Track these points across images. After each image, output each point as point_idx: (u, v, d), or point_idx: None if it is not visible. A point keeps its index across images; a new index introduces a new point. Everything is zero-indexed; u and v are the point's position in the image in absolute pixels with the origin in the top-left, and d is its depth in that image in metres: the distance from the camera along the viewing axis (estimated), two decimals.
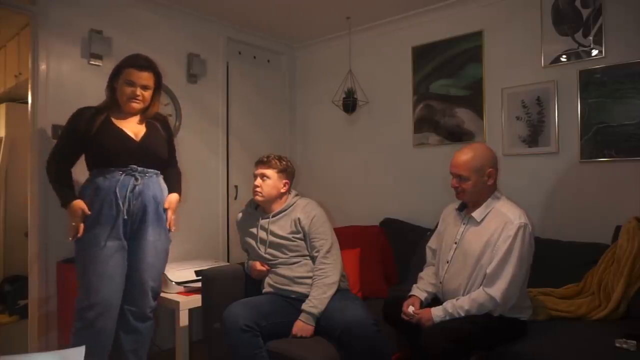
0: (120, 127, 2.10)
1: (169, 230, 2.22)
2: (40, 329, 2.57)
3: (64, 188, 2.08)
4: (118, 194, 2.02)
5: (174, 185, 2.30)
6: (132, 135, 2.11)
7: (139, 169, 2.09)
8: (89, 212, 2.01)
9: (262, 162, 2.27)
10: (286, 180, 2.28)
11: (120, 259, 2.05)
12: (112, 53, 2.75)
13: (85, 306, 2.00)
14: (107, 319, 2.01)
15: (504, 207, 1.96)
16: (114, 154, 2.05)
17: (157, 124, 2.23)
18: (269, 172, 2.24)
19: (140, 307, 2.14)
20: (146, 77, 2.11)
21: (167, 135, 2.29)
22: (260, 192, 2.24)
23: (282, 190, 2.27)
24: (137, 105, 2.11)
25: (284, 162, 2.29)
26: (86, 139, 2.05)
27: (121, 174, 2.05)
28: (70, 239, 2.04)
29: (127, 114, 2.14)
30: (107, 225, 2.01)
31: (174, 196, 2.26)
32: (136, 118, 2.16)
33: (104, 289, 2.00)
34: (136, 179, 2.07)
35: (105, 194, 2.02)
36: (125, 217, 2.04)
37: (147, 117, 2.18)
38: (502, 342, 1.88)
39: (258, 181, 2.25)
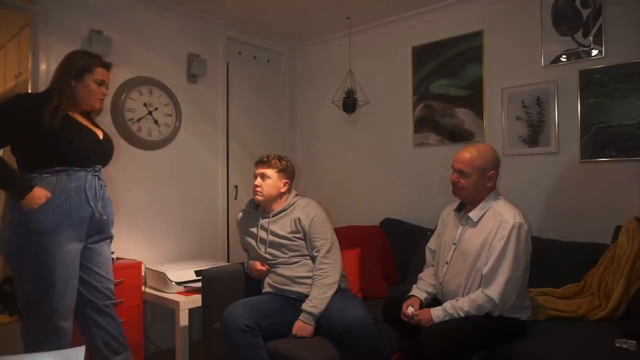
0: (87, 125, 2.02)
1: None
2: None
3: (13, 173, 1.85)
4: (88, 195, 1.93)
5: None
6: (99, 135, 2.05)
7: (100, 169, 2.04)
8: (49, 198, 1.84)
9: (262, 162, 2.27)
10: (286, 180, 2.28)
11: (78, 259, 1.96)
12: (112, 53, 2.74)
13: (48, 312, 1.86)
14: (71, 319, 1.94)
15: (501, 207, 1.95)
16: (84, 153, 1.95)
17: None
18: (269, 171, 2.24)
19: (108, 305, 2.07)
20: (109, 76, 2.07)
21: None
22: (261, 192, 2.24)
23: (282, 190, 2.27)
24: (100, 103, 2.05)
25: (284, 162, 2.29)
26: (46, 133, 1.84)
27: (85, 174, 1.95)
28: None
29: (81, 113, 2.03)
30: (76, 227, 1.90)
31: None
32: (86, 118, 2.07)
33: (70, 293, 1.91)
34: (99, 179, 2.02)
35: (74, 195, 1.89)
36: (102, 217, 1.98)
37: (97, 115, 2.13)
38: (502, 342, 1.88)
39: (258, 181, 2.25)
